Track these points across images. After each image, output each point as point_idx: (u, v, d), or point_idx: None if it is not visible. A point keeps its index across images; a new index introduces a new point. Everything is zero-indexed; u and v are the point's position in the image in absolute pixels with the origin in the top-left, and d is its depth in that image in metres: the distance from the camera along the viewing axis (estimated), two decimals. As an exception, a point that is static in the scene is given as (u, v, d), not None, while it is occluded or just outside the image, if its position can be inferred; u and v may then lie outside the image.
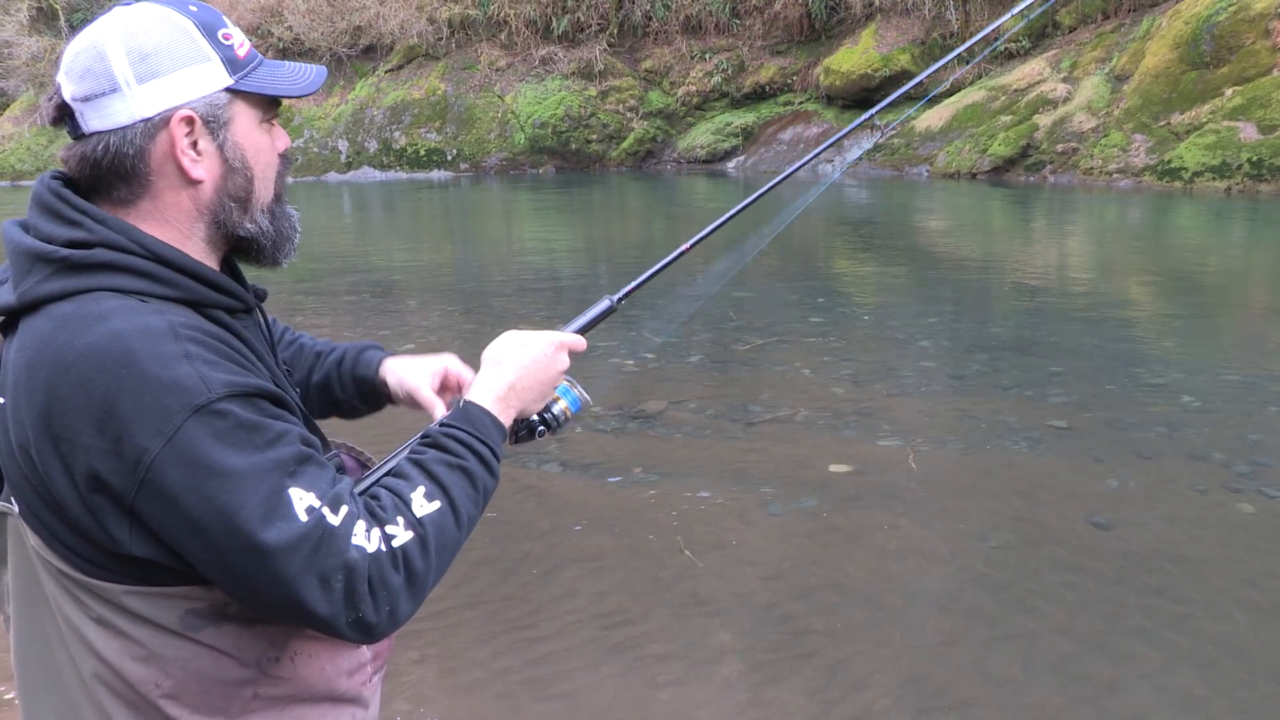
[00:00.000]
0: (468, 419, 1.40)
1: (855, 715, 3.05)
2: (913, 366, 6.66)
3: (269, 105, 1.33)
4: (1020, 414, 5.63)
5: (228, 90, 1.27)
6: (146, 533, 1.17)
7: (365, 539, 1.19)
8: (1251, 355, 6.85)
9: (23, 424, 1.18)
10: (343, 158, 25.21)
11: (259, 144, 1.32)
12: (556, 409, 1.58)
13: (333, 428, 1.64)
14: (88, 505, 1.16)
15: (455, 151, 24.57)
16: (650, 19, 24.95)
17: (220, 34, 1.28)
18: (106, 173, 1.24)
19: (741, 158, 23.69)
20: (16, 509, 1.25)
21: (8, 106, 30.74)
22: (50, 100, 1.27)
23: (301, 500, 1.16)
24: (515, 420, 1.51)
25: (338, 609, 1.16)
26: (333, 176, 24.79)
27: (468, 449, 1.35)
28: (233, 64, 1.28)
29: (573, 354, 1.58)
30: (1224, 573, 3.86)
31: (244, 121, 1.30)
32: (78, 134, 1.25)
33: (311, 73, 1.37)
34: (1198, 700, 3.10)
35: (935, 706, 3.08)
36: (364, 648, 1.40)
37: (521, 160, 24.42)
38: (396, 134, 24.86)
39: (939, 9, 21.56)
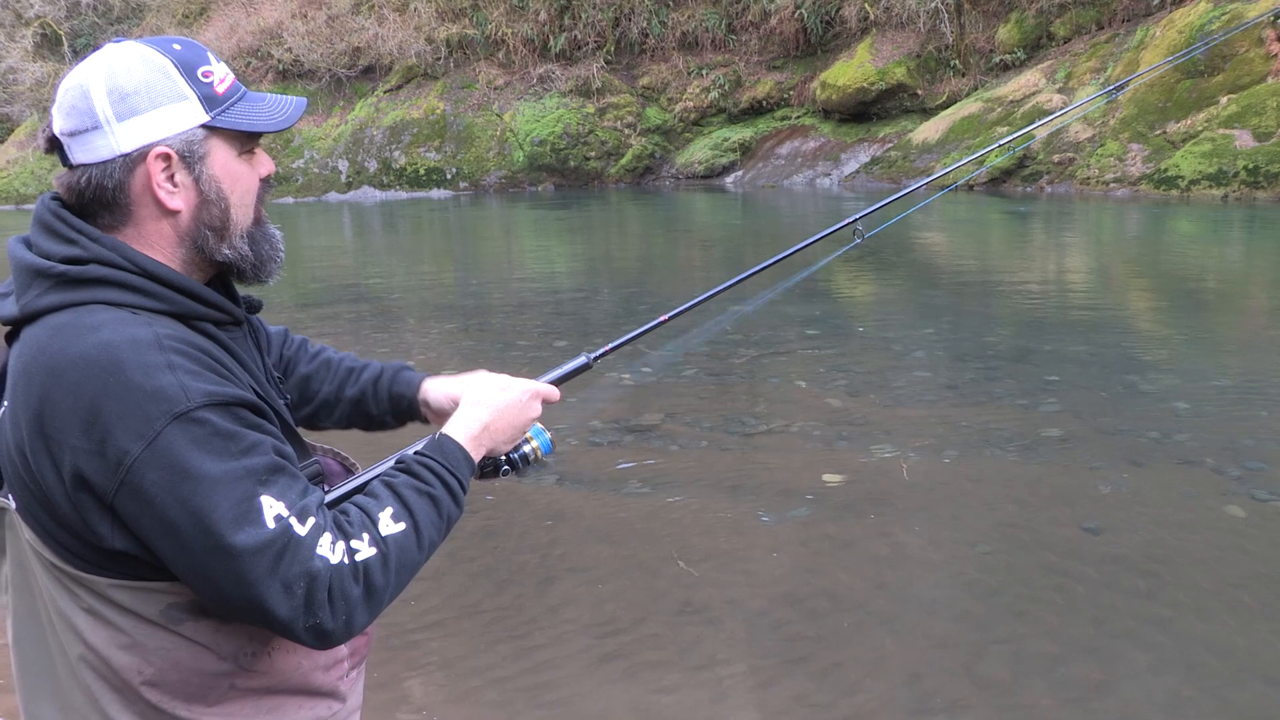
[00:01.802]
0: (441, 451, 1.47)
1: (846, 718, 3.10)
2: (907, 377, 6.71)
3: (247, 138, 1.40)
4: (1013, 422, 5.68)
5: (204, 127, 1.34)
6: (126, 529, 1.25)
7: (330, 550, 1.26)
8: (1246, 361, 6.89)
9: (19, 425, 1.27)
10: (343, 178, 25.35)
11: (236, 174, 1.38)
12: (526, 449, 1.67)
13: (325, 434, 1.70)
14: (74, 502, 1.24)
15: (454, 170, 24.71)
16: (647, 36, 25.11)
17: (200, 72, 1.34)
18: (90, 202, 1.33)
19: (740, 172, 23.81)
20: (14, 505, 1.34)
21: (12, 131, 30.96)
22: (44, 132, 1.35)
23: (271, 508, 1.23)
24: (484, 457, 1.59)
25: (297, 614, 1.23)
26: (333, 196, 24.92)
27: (438, 478, 1.43)
28: (210, 101, 1.34)
29: (547, 403, 1.69)
30: (1213, 575, 3.90)
31: (220, 155, 1.36)
32: (66, 164, 1.34)
33: (290, 106, 1.43)
34: (1185, 700, 3.14)
35: (925, 709, 3.12)
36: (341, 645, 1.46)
37: (520, 178, 24.56)
38: (396, 153, 25.01)
39: (934, 22, 21.68)
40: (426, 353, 8.06)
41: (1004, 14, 21.63)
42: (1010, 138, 3.95)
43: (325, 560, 1.25)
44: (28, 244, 1.34)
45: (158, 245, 1.35)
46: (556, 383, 1.76)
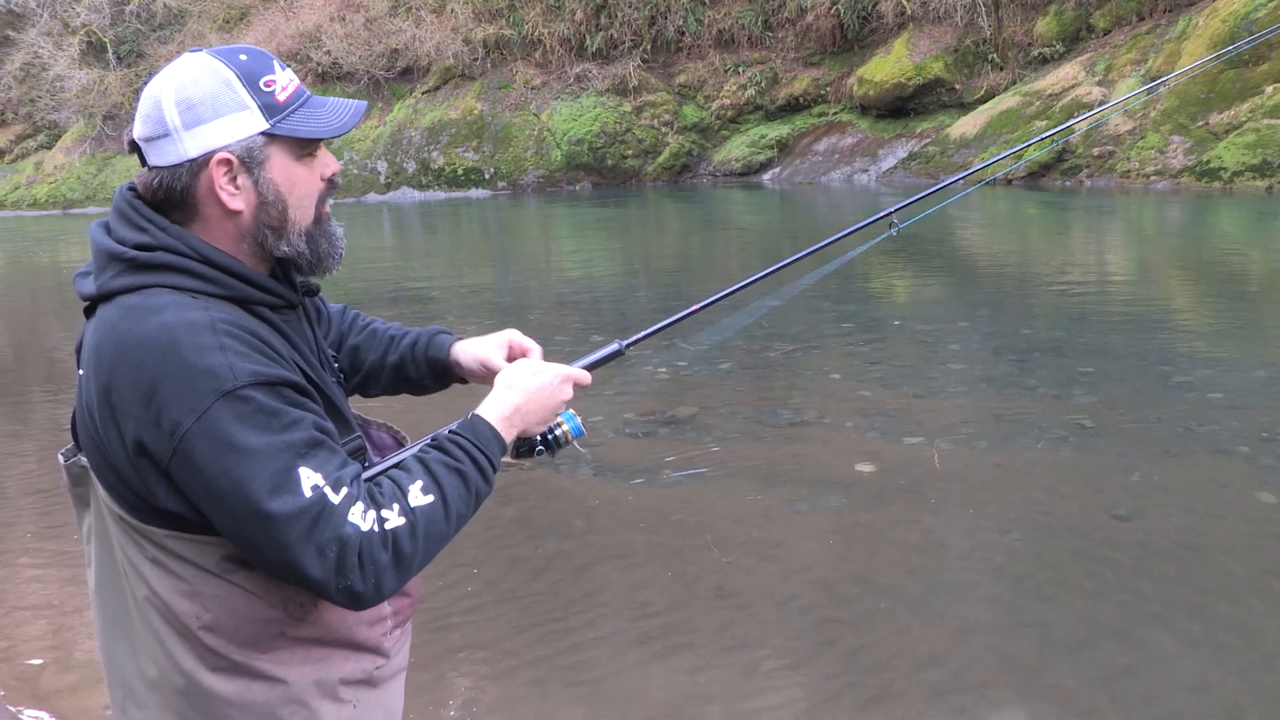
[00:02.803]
0: (472, 430, 1.56)
1: (873, 697, 3.17)
2: (941, 369, 6.74)
3: (306, 143, 1.50)
4: (1046, 413, 5.70)
5: (264, 134, 1.45)
6: (179, 493, 1.38)
7: (361, 518, 1.36)
8: (1283, 352, 6.85)
9: (91, 393, 1.41)
10: (382, 179, 25.64)
11: (295, 177, 1.49)
12: (559, 431, 1.74)
13: (369, 407, 1.80)
14: (134, 466, 1.38)
15: (492, 170, 24.91)
16: (683, 34, 25.17)
17: (262, 82, 1.45)
18: (162, 200, 1.47)
19: (777, 169, 23.81)
20: (89, 463, 1.48)
21: (59, 138, 31.59)
22: (126, 135, 1.50)
23: (308, 479, 1.34)
24: (519, 438, 1.69)
25: (330, 575, 1.34)
26: (372, 197, 25.21)
27: (467, 455, 1.51)
28: (270, 109, 1.45)
29: (579, 387, 1.76)
30: (1243, 561, 3.92)
31: (279, 160, 1.47)
32: (144, 164, 1.47)
33: (348, 112, 1.52)
34: (1211, 683, 3.17)
35: (951, 688, 3.19)
36: (384, 604, 1.58)
37: (558, 177, 24.71)
38: (434, 154, 25.25)
39: (971, 16, 21.56)
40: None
41: (1042, 6, 21.46)
42: (1052, 132, 3.96)
43: (356, 527, 1.35)
44: (107, 229, 1.48)
45: (222, 240, 1.48)
46: (589, 368, 1.83)
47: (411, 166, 25.46)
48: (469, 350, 1.87)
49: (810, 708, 3.15)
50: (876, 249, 2.81)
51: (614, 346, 1.92)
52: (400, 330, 1.94)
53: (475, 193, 24.68)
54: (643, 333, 2.01)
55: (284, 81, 1.47)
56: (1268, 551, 3.99)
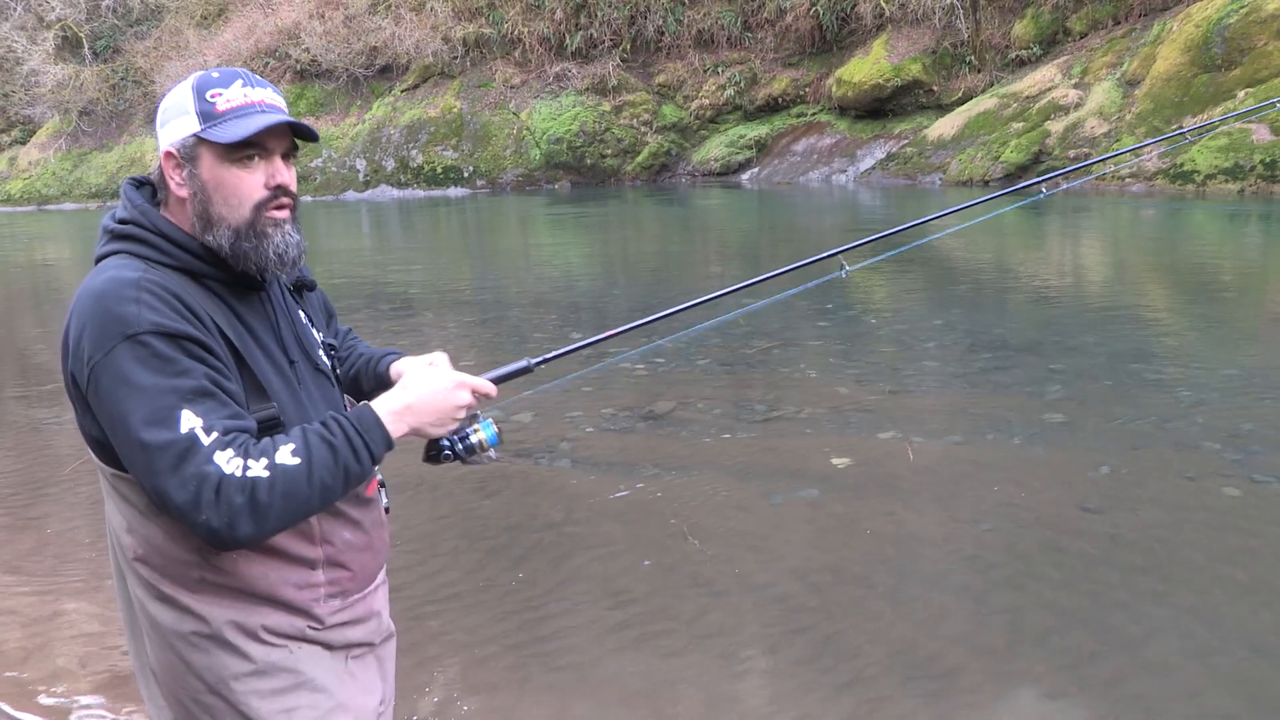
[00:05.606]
0: (358, 415, 1.70)
1: (845, 682, 3.23)
2: (915, 366, 6.83)
3: (234, 148, 1.65)
4: (1018, 409, 5.79)
5: (195, 136, 1.67)
6: (97, 422, 1.60)
7: (225, 463, 1.53)
8: (1254, 351, 6.97)
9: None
10: (361, 176, 25.60)
11: (221, 178, 1.68)
12: (474, 439, 1.85)
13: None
14: (75, 398, 1.64)
15: (471, 168, 24.91)
16: (663, 34, 25.26)
17: (209, 93, 1.66)
18: (155, 183, 1.78)
19: (755, 169, 23.93)
20: None
21: (34, 133, 31.34)
22: None
23: (188, 420, 1.53)
24: (430, 441, 1.83)
25: (188, 507, 1.51)
26: (351, 195, 25.17)
27: (342, 432, 1.65)
28: (205, 116, 1.66)
29: (481, 396, 1.86)
30: (1206, 552, 4.01)
31: (208, 160, 1.67)
32: None
33: (256, 122, 1.65)
34: (1173, 667, 3.25)
35: (922, 674, 3.26)
36: (318, 571, 1.76)
37: (537, 176, 24.74)
38: (413, 152, 25.23)
39: (949, 18, 21.74)
40: (444, 345, 8.21)
41: (1020, 9, 21.67)
42: (1072, 168, 4.01)
43: (218, 469, 1.51)
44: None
45: (184, 220, 1.72)
46: (496, 381, 1.94)
47: (390, 164, 25.44)
48: (398, 367, 2.05)
49: (784, 693, 3.21)
50: (850, 253, 2.95)
51: (522, 363, 2.06)
52: (367, 349, 2.16)
53: (454, 191, 24.68)
54: (555, 352, 2.15)
55: (231, 95, 1.66)
56: (1230, 543, 4.08)
